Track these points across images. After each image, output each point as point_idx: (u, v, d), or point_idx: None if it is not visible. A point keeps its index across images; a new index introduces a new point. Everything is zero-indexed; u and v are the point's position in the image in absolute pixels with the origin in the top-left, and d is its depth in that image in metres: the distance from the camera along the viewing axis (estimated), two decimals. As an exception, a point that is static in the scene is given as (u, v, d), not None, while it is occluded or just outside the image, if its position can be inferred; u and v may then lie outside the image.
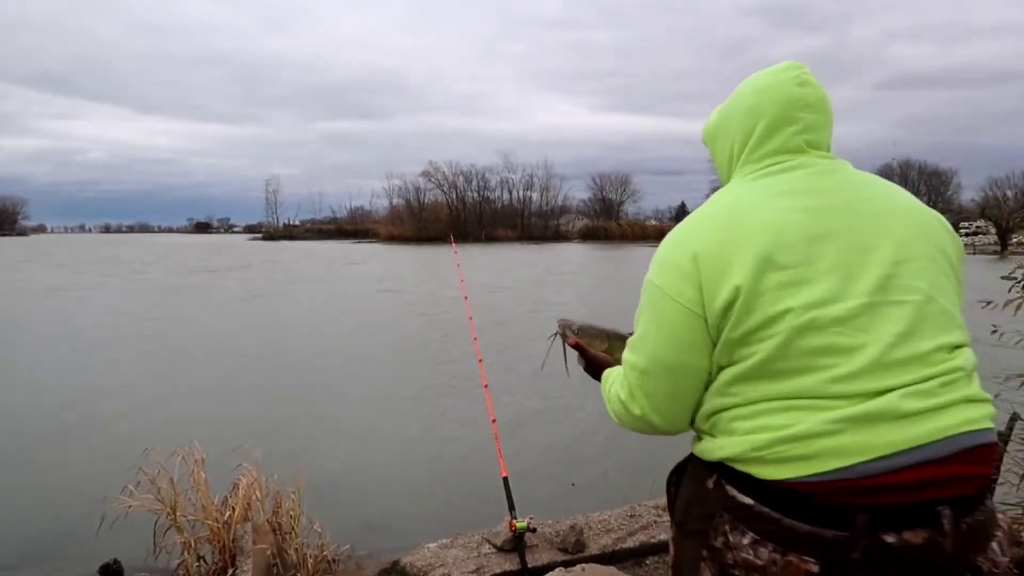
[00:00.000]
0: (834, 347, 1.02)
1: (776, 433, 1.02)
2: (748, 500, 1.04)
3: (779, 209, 1.10)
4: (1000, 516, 1.07)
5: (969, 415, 1.03)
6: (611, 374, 1.36)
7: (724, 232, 1.10)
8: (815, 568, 0.98)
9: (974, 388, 1.07)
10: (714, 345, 1.10)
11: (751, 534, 1.03)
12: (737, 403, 1.08)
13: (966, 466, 1.00)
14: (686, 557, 1.16)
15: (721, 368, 1.11)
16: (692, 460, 1.20)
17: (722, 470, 1.09)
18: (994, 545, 1.02)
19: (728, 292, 1.06)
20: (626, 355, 1.22)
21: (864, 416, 0.99)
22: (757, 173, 1.18)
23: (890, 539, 0.96)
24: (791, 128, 1.18)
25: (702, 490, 1.12)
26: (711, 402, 1.13)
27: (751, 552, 1.03)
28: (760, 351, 1.05)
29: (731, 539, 1.05)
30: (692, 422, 1.20)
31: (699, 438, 1.18)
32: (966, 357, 1.08)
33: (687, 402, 1.16)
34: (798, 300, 1.04)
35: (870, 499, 0.97)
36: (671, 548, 1.26)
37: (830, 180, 1.15)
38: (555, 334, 1.43)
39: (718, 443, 1.10)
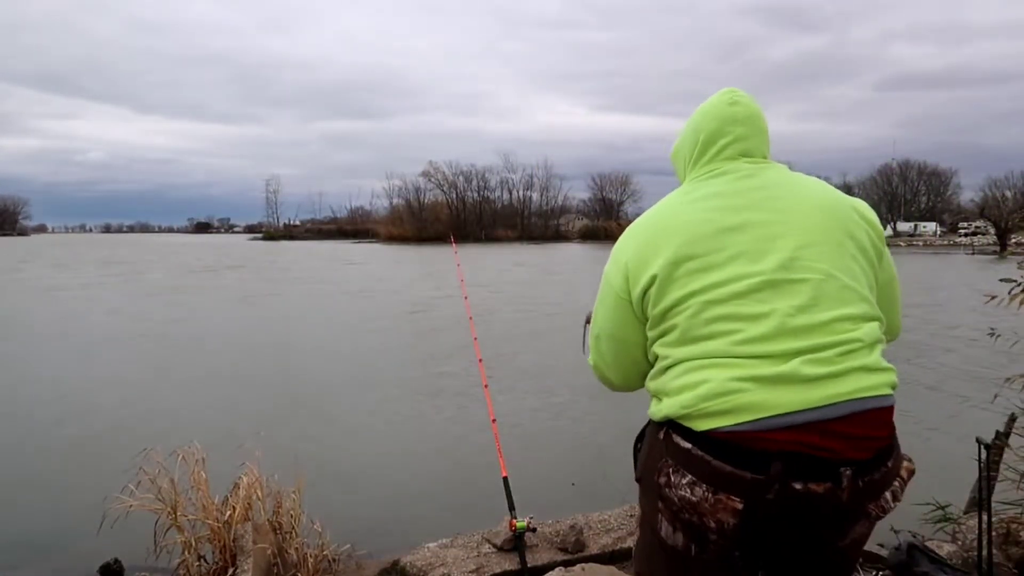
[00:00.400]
0: (736, 315, 1.23)
1: (695, 391, 1.22)
2: (687, 445, 1.23)
3: (696, 210, 1.35)
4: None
5: (864, 383, 1.23)
6: None
7: (647, 236, 1.37)
8: (739, 505, 1.18)
9: (873, 358, 1.26)
10: (644, 322, 1.37)
11: (689, 476, 1.22)
12: (668, 365, 1.30)
13: (860, 428, 1.21)
14: (647, 509, 1.36)
15: (654, 341, 1.36)
16: (648, 424, 1.39)
17: (669, 424, 1.28)
18: (887, 494, 1.28)
19: (645, 281, 1.32)
20: (591, 323, 1.52)
21: (770, 377, 1.18)
22: (694, 183, 1.42)
23: (798, 486, 1.16)
24: (723, 140, 1.41)
25: (655, 443, 1.31)
26: (653, 368, 1.37)
27: (688, 491, 1.22)
28: (678, 323, 1.28)
29: (672, 479, 1.24)
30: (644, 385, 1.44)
31: (650, 403, 1.38)
32: (867, 329, 1.26)
33: (631, 363, 1.44)
34: (706, 280, 1.27)
35: (782, 448, 1.16)
36: (638, 520, 1.46)
37: (750, 182, 1.36)
38: (586, 320, 1.62)
39: (660, 405, 1.31)
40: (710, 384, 1.21)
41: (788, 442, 1.16)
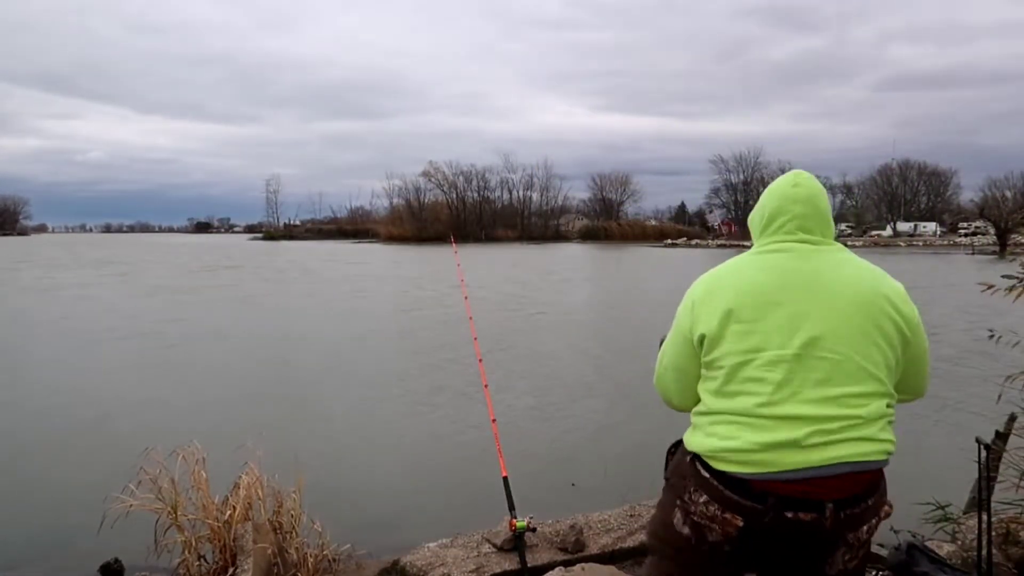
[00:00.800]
0: (764, 380, 1.51)
1: (722, 443, 1.53)
2: (706, 475, 1.55)
3: (752, 280, 1.59)
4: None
5: (859, 450, 1.51)
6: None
7: (713, 286, 1.63)
8: (740, 523, 1.51)
9: (872, 430, 1.55)
10: (699, 360, 1.63)
11: (705, 496, 1.55)
12: (704, 411, 1.61)
13: (849, 484, 1.50)
14: (666, 502, 1.70)
15: (704, 373, 1.64)
16: (682, 442, 1.70)
17: (696, 455, 1.59)
18: (864, 528, 1.55)
19: (702, 330, 1.59)
20: (662, 350, 1.79)
21: (780, 443, 1.47)
22: (760, 250, 1.66)
23: (789, 514, 1.47)
24: (783, 217, 1.64)
25: (683, 462, 1.64)
26: (698, 405, 1.66)
27: (704, 507, 1.56)
28: (718, 376, 1.57)
29: (693, 497, 1.58)
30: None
31: (689, 429, 1.67)
32: (873, 407, 1.56)
33: (688, 391, 1.70)
34: (745, 345, 1.53)
35: (779, 491, 1.48)
36: (657, 507, 1.79)
37: (803, 264, 1.59)
38: (660, 342, 1.85)
39: (693, 440, 1.62)
40: (733, 442, 1.51)
41: (786, 489, 1.48)
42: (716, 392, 1.58)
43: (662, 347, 1.78)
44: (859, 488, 1.53)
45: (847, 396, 1.51)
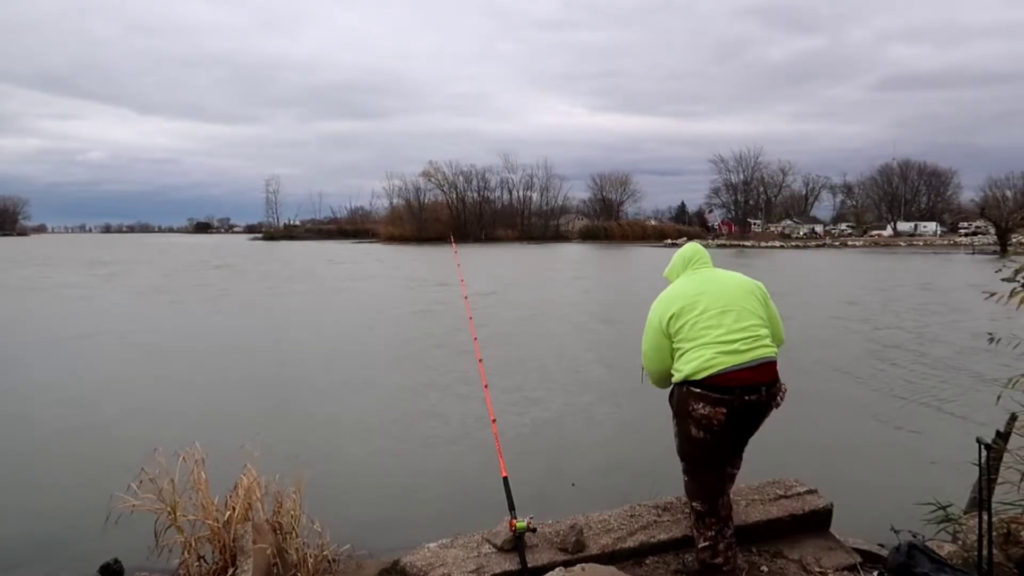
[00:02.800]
0: (709, 325, 2.78)
1: (695, 362, 2.73)
2: (698, 390, 2.73)
3: (687, 287, 2.93)
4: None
5: (765, 352, 2.77)
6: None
7: (669, 299, 2.92)
8: (724, 412, 2.69)
9: (769, 342, 2.82)
10: (669, 338, 2.87)
11: (701, 403, 2.72)
12: (682, 352, 2.81)
13: (765, 371, 2.75)
14: (681, 424, 2.87)
15: (673, 344, 2.86)
16: (674, 387, 2.89)
17: (687, 383, 2.77)
18: (779, 397, 2.80)
19: (668, 317, 2.86)
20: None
21: (726, 352, 2.72)
22: (684, 278, 3.01)
23: (747, 397, 2.70)
24: (692, 261, 3.07)
25: (681, 393, 2.82)
26: (676, 356, 2.85)
27: (703, 410, 2.73)
28: (684, 332, 2.82)
29: (694, 407, 2.75)
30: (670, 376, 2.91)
31: (674, 375, 2.86)
32: (764, 331, 2.83)
33: (664, 359, 2.91)
34: (693, 313, 2.81)
35: (737, 383, 2.68)
36: (676, 435, 2.93)
37: (706, 276, 2.98)
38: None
39: (681, 372, 2.79)
40: (703, 359, 2.73)
41: (738, 379, 2.70)
42: (685, 340, 2.81)
43: (642, 345, 2.96)
44: (773, 375, 2.79)
45: (752, 326, 2.80)
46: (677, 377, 2.79)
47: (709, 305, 2.81)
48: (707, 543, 2.87)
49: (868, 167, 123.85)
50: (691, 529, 2.97)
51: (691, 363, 2.73)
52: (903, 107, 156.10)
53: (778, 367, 2.81)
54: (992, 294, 3.43)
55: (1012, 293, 3.30)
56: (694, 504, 2.93)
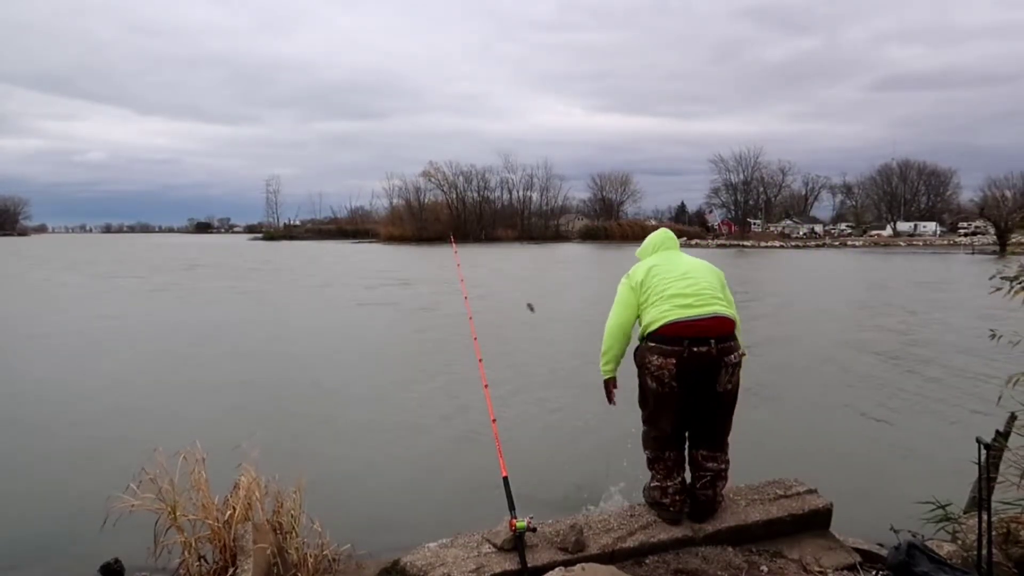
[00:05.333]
0: (668, 285, 3.17)
1: (652, 315, 3.14)
2: (652, 344, 3.12)
3: (658, 262, 3.33)
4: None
5: (720, 308, 3.11)
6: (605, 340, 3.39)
7: (643, 271, 3.30)
8: (674, 362, 3.04)
9: (723, 302, 3.15)
10: (636, 300, 3.24)
11: (654, 355, 3.09)
12: (645, 306, 3.19)
13: (719, 324, 3.08)
14: (640, 376, 3.20)
15: (640, 304, 3.22)
16: (639, 343, 3.21)
17: (648, 337, 3.14)
18: (732, 355, 3.09)
19: (639, 280, 3.26)
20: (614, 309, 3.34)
21: (681, 306, 3.08)
22: (654, 257, 3.41)
23: (695, 348, 3.02)
24: (662, 244, 3.49)
25: (640, 347, 3.20)
26: (641, 314, 3.21)
27: (656, 361, 3.08)
28: (648, 292, 3.21)
29: (648, 359, 3.11)
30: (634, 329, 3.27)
31: (643, 328, 3.18)
32: (720, 296, 3.18)
33: (626, 315, 3.26)
34: (658, 278, 3.22)
35: (687, 334, 3.03)
36: (636, 376, 3.22)
37: (673, 256, 3.40)
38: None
39: (643, 327, 3.19)
40: (661, 311, 3.09)
41: (689, 328, 3.01)
42: (647, 299, 3.17)
43: (606, 335, 3.30)
44: (726, 330, 3.05)
45: (707, 288, 3.13)
46: (640, 333, 3.19)
47: (670, 271, 3.20)
48: (656, 483, 3.28)
49: (867, 167, 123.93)
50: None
51: (648, 316, 3.12)
52: (901, 107, 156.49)
53: (735, 330, 3.13)
54: (997, 289, 3.44)
55: (1012, 289, 3.30)
56: (645, 452, 3.34)
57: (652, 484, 3.32)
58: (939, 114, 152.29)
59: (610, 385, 3.43)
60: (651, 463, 3.32)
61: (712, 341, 3.00)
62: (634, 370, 3.22)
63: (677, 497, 3.26)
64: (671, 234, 3.52)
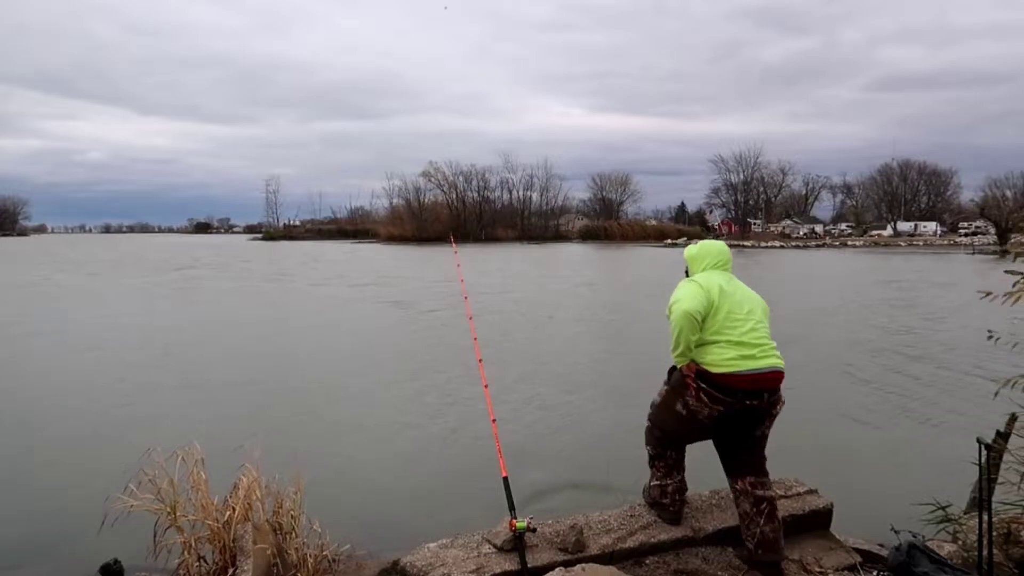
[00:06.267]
0: (737, 331, 2.94)
1: (715, 356, 2.91)
2: (704, 384, 2.93)
3: (719, 282, 3.07)
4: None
5: (777, 362, 2.93)
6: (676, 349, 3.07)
7: (707, 288, 3.02)
8: (720, 410, 2.92)
9: (778, 352, 2.97)
10: (706, 310, 2.96)
11: (704, 395, 2.94)
12: (709, 334, 2.95)
13: (774, 377, 2.93)
14: (669, 396, 3.12)
15: (705, 322, 2.95)
16: (675, 370, 3.11)
17: (700, 375, 2.94)
18: (778, 406, 3.00)
19: (713, 300, 2.99)
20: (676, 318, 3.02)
21: (744, 356, 2.89)
22: (715, 274, 3.12)
23: (748, 402, 2.90)
24: (720, 262, 3.19)
25: (683, 378, 3.02)
26: (704, 336, 2.96)
27: (699, 403, 2.96)
28: (712, 322, 2.95)
29: (692, 395, 2.98)
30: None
31: (695, 354, 2.99)
32: (774, 343, 2.99)
33: (693, 332, 2.94)
34: (723, 311, 2.97)
35: (742, 387, 2.88)
36: (660, 398, 3.20)
37: (733, 282, 3.14)
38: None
39: (700, 358, 2.95)
40: (724, 356, 2.88)
41: (746, 382, 2.87)
42: (709, 332, 2.93)
43: (676, 321, 2.96)
44: (778, 383, 2.94)
45: (766, 336, 2.98)
46: (699, 361, 2.95)
47: (738, 306, 2.98)
48: (656, 482, 3.28)
49: (867, 167, 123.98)
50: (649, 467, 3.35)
51: (710, 354, 2.90)
52: (900, 107, 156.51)
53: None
54: (988, 293, 3.43)
55: (1014, 287, 3.29)
56: (647, 448, 3.30)
57: (652, 483, 3.30)
58: (939, 114, 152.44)
59: (685, 370, 3.07)
60: (652, 460, 3.29)
61: (765, 395, 2.89)
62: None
63: (677, 496, 3.25)
64: (728, 252, 3.25)
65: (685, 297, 2.96)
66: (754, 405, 2.88)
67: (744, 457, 3.03)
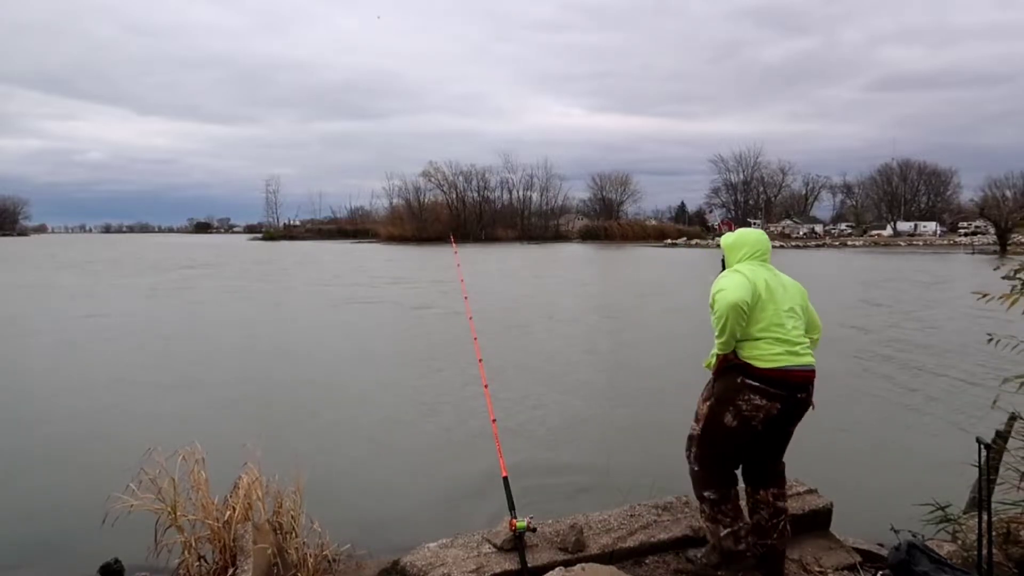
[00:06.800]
0: (781, 323, 2.85)
1: (765, 352, 2.81)
2: (756, 383, 2.79)
3: (763, 275, 2.94)
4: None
5: (812, 359, 2.90)
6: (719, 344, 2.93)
7: (752, 281, 2.87)
8: (779, 406, 2.80)
9: (810, 351, 2.92)
10: (752, 302, 2.83)
11: (757, 396, 2.78)
12: (749, 337, 2.83)
13: (812, 375, 2.89)
14: (717, 409, 2.86)
15: (750, 318, 2.84)
16: (725, 374, 2.88)
17: (749, 373, 2.80)
18: (813, 398, 2.90)
19: (759, 293, 2.86)
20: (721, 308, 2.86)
21: (789, 352, 2.82)
22: (747, 263, 3.00)
23: (798, 395, 2.84)
24: (756, 250, 3.04)
25: (732, 383, 2.83)
26: (749, 332, 2.84)
27: (756, 399, 2.78)
28: (758, 318, 2.84)
29: (748, 395, 2.79)
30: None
31: (736, 354, 2.86)
32: (808, 338, 2.96)
33: (738, 325, 2.81)
34: (770, 307, 2.87)
35: (794, 380, 2.81)
36: (703, 412, 2.92)
37: (774, 273, 3.00)
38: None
39: (744, 356, 2.83)
40: (773, 352, 2.80)
41: (796, 378, 2.81)
42: (755, 328, 2.82)
43: (722, 311, 2.80)
44: (814, 377, 2.91)
45: (802, 334, 2.91)
46: (736, 360, 2.82)
47: (782, 300, 2.88)
48: (729, 530, 2.86)
49: (867, 167, 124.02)
50: (706, 522, 2.94)
51: (758, 349, 2.78)
52: (900, 107, 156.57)
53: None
54: (984, 295, 3.43)
55: (1012, 292, 3.29)
56: (706, 494, 2.90)
57: (722, 532, 2.87)
58: (939, 114, 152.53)
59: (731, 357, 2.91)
60: (716, 506, 2.88)
61: (810, 387, 2.85)
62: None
63: (751, 539, 2.91)
64: (767, 241, 3.07)
65: (731, 287, 2.79)
66: (803, 399, 2.83)
67: (771, 467, 2.95)
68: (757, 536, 2.91)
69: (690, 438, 2.97)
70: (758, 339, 2.80)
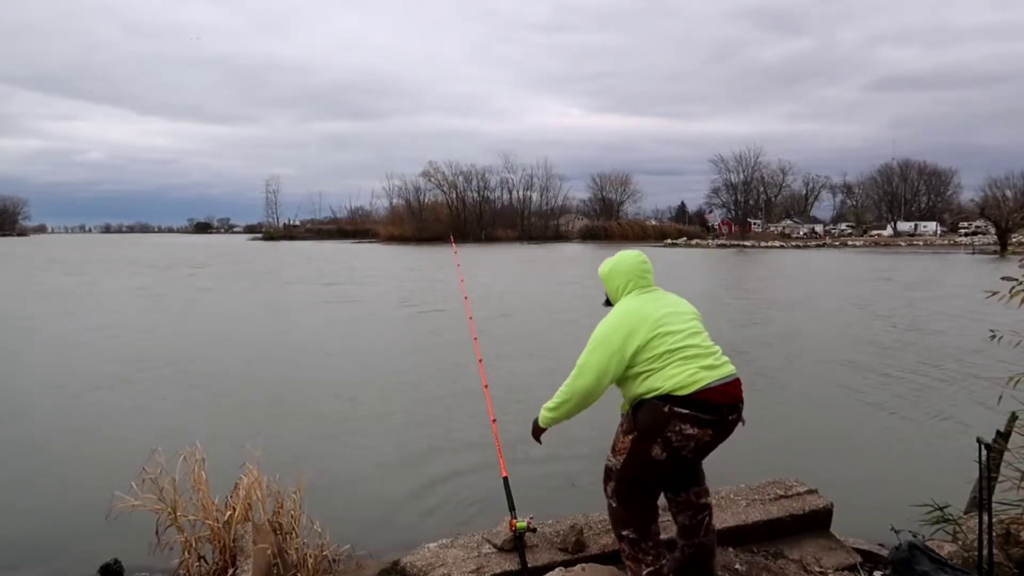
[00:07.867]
0: (686, 344, 2.60)
1: (677, 378, 2.53)
2: (686, 411, 2.51)
3: (649, 309, 2.69)
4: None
5: (731, 369, 2.63)
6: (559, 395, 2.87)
7: (635, 322, 2.65)
8: (711, 433, 2.54)
9: (726, 358, 2.68)
10: (625, 364, 2.62)
11: (687, 423, 2.51)
12: (649, 371, 2.58)
13: (737, 386, 2.63)
14: (641, 444, 2.59)
15: (634, 370, 2.62)
16: (642, 405, 2.61)
17: (674, 401, 2.51)
18: (743, 417, 2.65)
19: (639, 343, 2.61)
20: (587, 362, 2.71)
21: (705, 368, 2.56)
22: (632, 295, 2.79)
23: (730, 417, 2.58)
24: (642, 279, 2.83)
25: (658, 414, 2.54)
26: (640, 378, 2.62)
27: (685, 427, 2.51)
28: (653, 353, 2.59)
29: (678, 425, 2.51)
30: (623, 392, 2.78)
31: (643, 393, 2.60)
32: (718, 348, 2.70)
33: (599, 382, 2.67)
34: (665, 338, 2.61)
35: (722, 401, 2.54)
36: (624, 445, 2.67)
37: (658, 296, 2.81)
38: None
39: (654, 389, 2.55)
40: (686, 373, 2.54)
41: (722, 394, 2.56)
42: (655, 360, 2.57)
43: (573, 391, 2.74)
44: (741, 392, 2.65)
45: (711, 345, 2.68)
46: (650, 395, 2.55)
47: (678, 326, 2.63)
48: (651, 568, 2.63)
49: (867, 167, 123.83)
50: (627, 561, 2.70)
51: (672, 379, 2.51)
52: (899, 107, 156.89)
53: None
54: (994, 293, 3.43)
55: (1013, 291, 3.29)
56: (624, 532, 2.68)
57: (643, 572, 2.63)
58: (938, 114, 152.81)
59: (541, 431, 2.95)
60: (635, 545, 2.65)
61: (740, 406, 2.61)
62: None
63: (677, 555, 2.84)
64: (647, 261, 2.87)
65: (590, 370, 2.63)
66: (733, 420, 2.59)
67: (688, 472, 2.77)
68: (685, 537, 2.82)
69: (608, 470, 2.72)
70: (659, 368, 2.55)
